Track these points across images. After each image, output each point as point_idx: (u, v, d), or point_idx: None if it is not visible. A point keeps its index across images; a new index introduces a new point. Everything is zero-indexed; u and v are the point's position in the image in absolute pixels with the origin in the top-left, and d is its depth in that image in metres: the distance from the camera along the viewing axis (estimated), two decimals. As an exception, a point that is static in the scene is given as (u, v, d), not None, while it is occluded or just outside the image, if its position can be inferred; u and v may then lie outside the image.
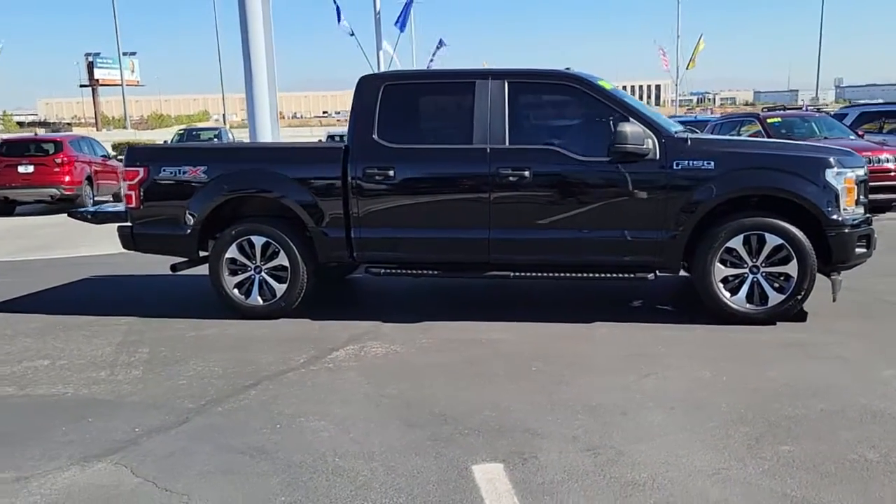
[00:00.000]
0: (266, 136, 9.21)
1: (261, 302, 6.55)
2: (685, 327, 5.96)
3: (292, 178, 6.39)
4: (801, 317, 6.05)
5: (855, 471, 3.47)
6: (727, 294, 5.98)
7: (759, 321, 5.94)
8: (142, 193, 6.64)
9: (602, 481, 3.44)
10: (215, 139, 26.74)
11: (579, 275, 6.16)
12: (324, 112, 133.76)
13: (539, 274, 6.22)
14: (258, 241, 6.50)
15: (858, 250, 5.90)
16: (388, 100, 6.33)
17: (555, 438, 3.92)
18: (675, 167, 5.90)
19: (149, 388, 4.92)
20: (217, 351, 5.68)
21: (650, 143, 5.88)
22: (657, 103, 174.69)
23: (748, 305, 5.97)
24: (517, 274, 6.21)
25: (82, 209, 7.37)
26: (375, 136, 6.29)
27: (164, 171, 6.59)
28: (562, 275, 6.21)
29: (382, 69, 16.22)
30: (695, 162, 5.89)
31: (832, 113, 16.53)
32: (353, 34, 17.18)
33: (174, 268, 7.00)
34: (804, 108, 24.61)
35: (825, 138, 12.83)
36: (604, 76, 6.52)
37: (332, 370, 5.18)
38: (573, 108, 6.26)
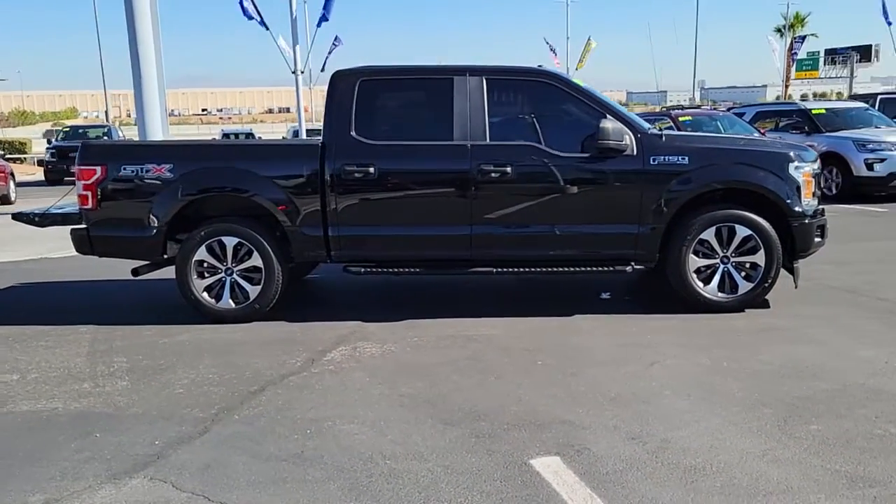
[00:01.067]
0: (156, 134, 8.79)
1: (233, 305, 6.31)
2: (663, 317, 6.17)
3: (266, 176, 6.18)
4: (764, 304, 6.37)
5: (887, 444, 3.71)
6: (700, 284, 6.24)
7: (730, 309, 6.23)
8: (99, 193, 6.25)
9: (662, 468, 3.54)
10: (105, 137, 25.45)
11: (560, 269, 6.26)
12: (203, 110, 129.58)
13: (520, 269, 6.28)
14: (230, 241, 6.25)
15: (816, 239, 6.29)
16: (364, 95, 6.23)
17: (596, 429, 3.99)
18: (651, 162, 6.10)
19: (146, 399, 4.66)
20: (201, 357, 5.44)
21: (628, 139, 6.05)
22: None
23: (720, 294, 6.25)
24: (500, 270, 6.26)
25: (28, 211, 6.84)
26: (353, 133, 6.17)
27: (124, 169, 6.23)
28: (543, 269, 6.29)
29: (299, 66, 15.91)
30: (670, 157, 6.11)
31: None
32: (263, 24, 16.67)
33: (136, 272, 6.62)
34: (706, 107, 25.98)
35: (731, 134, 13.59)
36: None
37: (335, 372, 5.07)
38: (550, 104, 6.35)
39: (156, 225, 6.24)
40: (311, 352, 5.50)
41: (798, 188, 6.18)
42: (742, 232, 6.16)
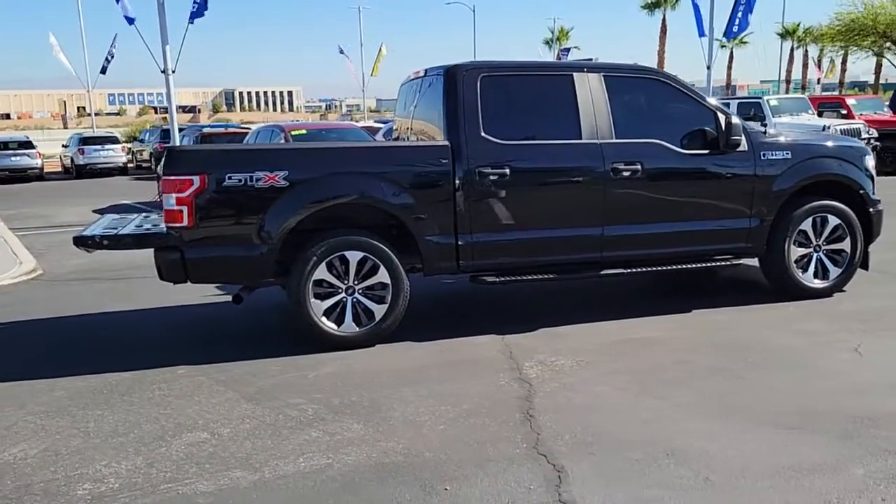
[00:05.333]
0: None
1: (356, 329, 5.58)
2: (779, 306, 6.39)
3: (395, 182, 5.54)
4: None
5: None
6: (800, 273, 6.55)
7: (823, 294, 6.61)
8: (198, 208, 5.22)
9: None
10: None
11: (682, 266, 6.28)
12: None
13: (645, 269, 6.20)
14: (353, 256, 5.51)
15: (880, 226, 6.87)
16: (487, 92, 5.80)
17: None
18: (762, 157, 6.31)
19: (427, 440, 3.96)
20: (393, 388, 4.74)
21: (744, 136, 6.21)
22: (290, 109, 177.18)
23: (815, 281, 6.61)
24: (631, 270, 6.13)
25: (91, 233, 5.44)
26: (483, 133, 5.72)
27: (229, 178, 5.26)
28: (665, 267, 6.25)
29: (170, 65, 14.34)
30: (776, 153, 6.36)
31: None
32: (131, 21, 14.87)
33: (238, 298, 5.60)
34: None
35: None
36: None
37: (571, 388, 4.66)
38: (665, 102, 6.31)
39: (268, 242, 5.34)
40: (498, 370, 5.02)
41: (872, 178, 6.72)
42: (833, 221, 6.56)
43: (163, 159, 5.28)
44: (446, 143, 5.69)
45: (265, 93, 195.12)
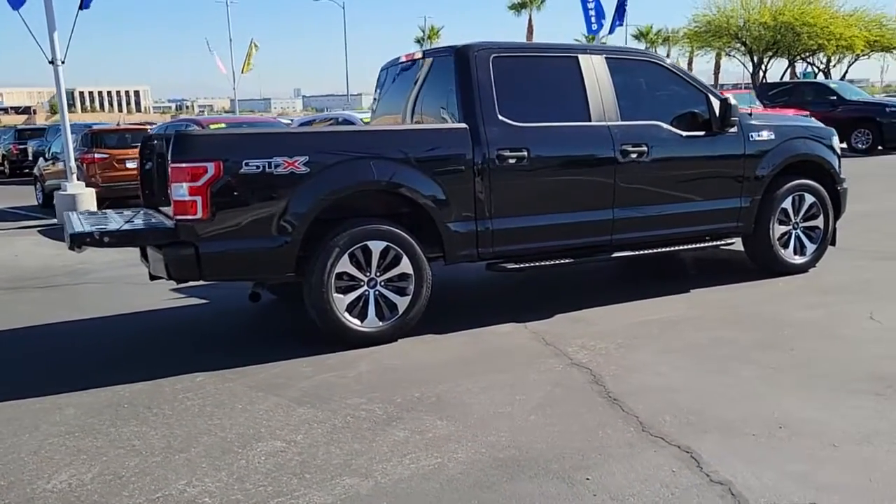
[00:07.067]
0: None
1: (380, 323, 5.26)
2: (764, 282, 6.59)
3: (418, 168, 5.27)
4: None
5: None
6: (782, 250, 6.79)
7: (801, 269, 6.88)
8: (213, 197, 4.74)
9: None
10: None
11: (681, 247, 6.36)
12: None
13: (653, 251, 6.22)
14: (376, 246, 5.19)
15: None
16: (500, 73, 5.63)
17: None
18: (750, 138, 6.48)
19: (528, 431, 3.75)
20: (456, 381, 4.48)
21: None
22: (138, 109, 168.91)
23: (796, 257, 6.87)
24: (640, 252, 6.14)
25: (90, 228, 4.74)
26: (499, 115, 5.55)
27: (246, 164, 4.80)
28: (668, 248, 6.31)
29: (59, 55, 13.13)
30: (762, 133, 6.56)
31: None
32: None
33: (256, 296, 5.13)
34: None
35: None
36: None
37: (658, 371, 4.57)
38: (661, 85, 6.36)
39: (290, 233, 4.93)
40: (545, 357, 4.87)
41: (839, 157, 7.07)
42: (809, 199, 6.84)
43: (170, 145, 4.74)
44: (464, 125, 5.47)
45: (109, 93, 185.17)
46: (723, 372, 4.49)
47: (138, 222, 5.06)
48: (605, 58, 6.03)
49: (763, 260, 6.82)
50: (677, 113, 6.28)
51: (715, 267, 7.37)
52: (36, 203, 16.72)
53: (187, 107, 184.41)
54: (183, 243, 4.78)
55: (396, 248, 5.25)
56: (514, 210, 5.63)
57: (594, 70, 5.94)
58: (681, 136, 6.18)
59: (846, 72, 42.91)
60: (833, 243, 7.12)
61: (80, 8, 13.52)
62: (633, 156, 5.94)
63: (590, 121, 5.87)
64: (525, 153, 5.57)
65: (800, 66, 43.13)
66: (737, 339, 5.10)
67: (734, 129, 6.37)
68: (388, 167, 5.20)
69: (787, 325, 5.34)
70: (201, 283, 5.64)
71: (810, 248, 6.92)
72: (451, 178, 5.39)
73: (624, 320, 5.65)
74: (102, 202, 12.97)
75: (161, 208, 6.00)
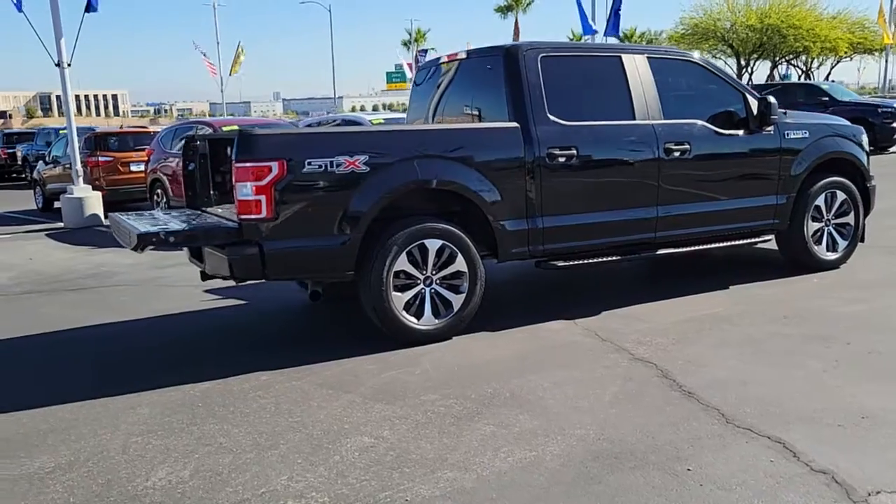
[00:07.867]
0: None
1: (436, 321, 5.29)
2: (798, 278, 6.68)
3: (473, 166, 5.30)
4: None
5: None
6: (816, 246, 6.89)
7: (833, 266, 6.98)
8: (277, 196, 4.74)
9: None
10: None
11: (722, 244, 6.43)
12: None
13: (694, 248, 6.29)
14: (433, 245, 5.22)
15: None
16: (548, 73, 5.67)
17: None
18: (786, 136, 6.57)
19: (614, 425, 3.78)
20: (524, 376, 4.52)
21: (771, 115, 6.45)
22: (116, 113, 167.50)
23: (828, 253, 6.97)
24: (682, 250, 6.20)
25: (154, 229, 4.70)
26: (549, 114, 5.59)
27: (309, 164, 4.81)
28: (708, 246, 6.37)
29: (65, 59, 13.03)
30: (797, 131, 6.65)
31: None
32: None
33: (316, 295, 5.13)
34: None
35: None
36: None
37: (726, 365, 4.62)
38: (701, 84, 6.44)
39: (351, 232, 4.95)
40: (605, 352, 4.92)
41: (868, 155, 7.19)
42: (840, 196, 6.94)
43: (234, 145, 4.74)
44: (516, 124, 5.51)
45: (87, 96, 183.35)
46: (788, 365, 4.55)
47: (224, 223, 5.03)
48: (647, 57, 6.10)
49: (797, 256, 6.91)
50: (716, 111, 6.36)
51: (747, 263, 7.44)
52: (35, 207, 16.57)
53: (166, 111, 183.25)
54: (247, 242, 4.77)
55: (452, 246, 5.28)
56: (564, 208, 5.67)
57: (637, 69, 6.01)
58: (721, 134, 6.26)
59: (829, 73, 43.49)
60: (863, 240, 7.23)
61: (87, 10, 13.48)
62: (676, 154, 6.01)
63: (634, 119, 5.93)
64: (574, 151, 5.62)
65: (782, 69, 43.73)
66: (790, 333, 5.17)
67: (770, 128, 6.45)
68: (443, 166, 5.23)
69: (836, 320, 5.41)
70: (232, 284, 5.65)
71: (842, 244, 7.02)
72: (503, 177, 5.42)
73: (672, 316, 5.70)
74: (108, 206, 12.87)
75: (205, 209, 6.01)
